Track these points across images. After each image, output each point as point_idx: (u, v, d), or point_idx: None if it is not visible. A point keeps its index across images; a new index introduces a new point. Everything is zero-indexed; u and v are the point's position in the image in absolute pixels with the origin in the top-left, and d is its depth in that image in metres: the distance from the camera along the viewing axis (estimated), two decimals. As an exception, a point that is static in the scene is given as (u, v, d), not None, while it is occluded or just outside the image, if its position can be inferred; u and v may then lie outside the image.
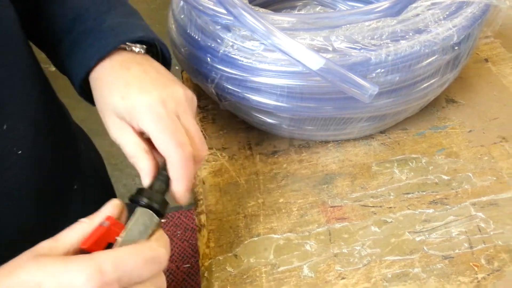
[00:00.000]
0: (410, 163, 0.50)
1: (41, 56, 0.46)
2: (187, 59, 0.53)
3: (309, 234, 0.45)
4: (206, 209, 0.48)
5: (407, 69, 0.45)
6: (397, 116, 0.52)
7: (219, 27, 0.49)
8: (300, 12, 0.70)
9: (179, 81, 0.41)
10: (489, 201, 0.46)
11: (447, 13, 0.47)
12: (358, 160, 0.52)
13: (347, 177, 0.50)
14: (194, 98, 0.41)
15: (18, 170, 0.39)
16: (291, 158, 0.53)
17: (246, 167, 0.52)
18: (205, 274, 0.42)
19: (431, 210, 0.46)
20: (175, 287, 1.32)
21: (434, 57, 0.45)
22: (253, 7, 0.49)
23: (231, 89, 0.49)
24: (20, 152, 0.38)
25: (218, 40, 0.48)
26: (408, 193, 0.47)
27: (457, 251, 0.42)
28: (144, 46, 0.42)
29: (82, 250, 0.31)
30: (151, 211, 0.34)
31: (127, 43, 0.41)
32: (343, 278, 0.41)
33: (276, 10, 0.71)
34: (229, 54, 0.47)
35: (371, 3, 0.66)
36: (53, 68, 0.48)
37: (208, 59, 0.49)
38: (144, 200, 0.34)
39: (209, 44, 0.49)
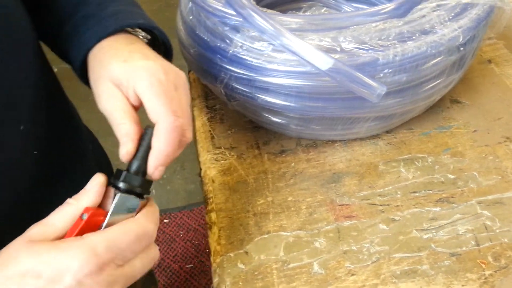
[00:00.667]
0: (416, 163, 0.51)
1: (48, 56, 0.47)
2: (196, 60, 0.54)
3: (318, 232, 0.46)
4: (216, 207, 0.48)
5: (414, 69, 0.45)
6: (403, 116, 0.53)
7: (228, 28, 0.50)
8: (306, 13, 0.71)
9: None
10: (495, 200, 0.47)
11: (453, 14, 0.48)
12: (365, 160, 0.53)
13: (355, 176, 0.51)
14: (189, 92, 0.41)
15: (33, 171, 0.40)
16: (299, 157, 0.54)
17: (254, 166, 0.53)
18: (217, 271, 0.43)
19: (438, 209, 0.46)
20: (178, 287, 1.32)
21: (440, 58, 0.46)
22: (261, 8, 0.49)
23: (240, 89, 0.50)
24: (35, 152, 0.39)
25: (227, 41, 0.49)
26: (415, 192, 0.48)
27: (464, 248, 0.43)
28: (148, 36, 0.42)
29: None
30: (132, 195, 0.34)
31: (130, 28, 0.41)
32: (353, 275, 0.42)
33: (281, 12, 0.72)
34: (238, 55, 0.48)
35: (374, 4, 0.67)
36: (55, 69, 0.48)
37: (218, 59, 0.50)
38: (122, 185, 0.34)
39: (218, 44, 0.50)
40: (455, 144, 0.53)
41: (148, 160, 0.35)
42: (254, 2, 0.50)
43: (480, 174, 0.50)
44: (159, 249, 0.61)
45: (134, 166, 0.35)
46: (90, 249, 0.29)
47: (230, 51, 0.49)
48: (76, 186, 0.35)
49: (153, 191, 1.59)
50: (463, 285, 0.41)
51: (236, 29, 0.49)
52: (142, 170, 0.35)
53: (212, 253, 0.44)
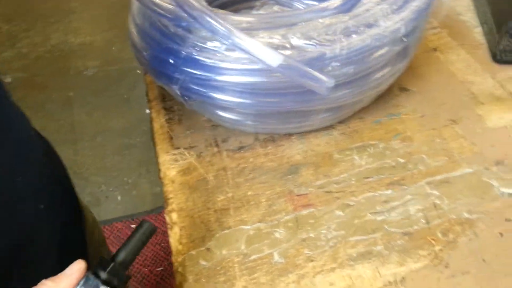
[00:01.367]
0: (368, 149, 0.53)
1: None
2: (150, 62, 0.54)
3: (278, 223, 0.47)
4: (176, 207, 0.49)
5: (360, 61, 0.47)
6: (354, 106, 0.55)
7: (180, 29, 0.50)
8: (259, 11, 0.72)
9: None
10: (443, 180, 0.50)
11: (395, 7, 0.50)
12: (321, 150, 0.54)
13: (311, 166, 0.53)
14: None
15: None
16: (257, 152, 0.55)
17: (214, 163, 0.54)
18: (179, 269, 0.44)
19: (389, 191, 0.49)
20: (150, 291, 1.32)
21: (384, 49, 0.48)
22: (212, 9, 0.50)
23: (195, 89, 0.51)
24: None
25: (180, 42, 0.50)
26: (368, 177, 0.50)
27: (415, 227, 0.46)
28: None
29: None
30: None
31: None
32: (311, 261, 0.44)
33: (235, 11, 0.73)
34: (192, 55, 0.49)
35: (324, 0, 0.69)
36: (9, 79, 0.47)
37: (171, 61, 0.50)
38: (105, 277, 0.33)
39: (171, 46, 0.50)
40: (404, 129, 0.55)
41: None
42: (205, 3, 0.50)
43: (428, 156, 0.52)
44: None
45: (121, 257, 0.34)
46: None
47: (183, 52, 0.49)
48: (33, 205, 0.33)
49: (119, 197, 1.57)
50: (415, 262, 0.43)
51: (188, 29, 0.50)
52: (127, 262, 0.35)
53: (173, 253, 0.45)
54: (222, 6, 0.70)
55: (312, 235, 0.46)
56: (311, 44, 0.47)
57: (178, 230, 0.47)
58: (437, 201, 0.48)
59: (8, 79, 0.46)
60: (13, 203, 0.40)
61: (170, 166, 0.54)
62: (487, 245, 0.44)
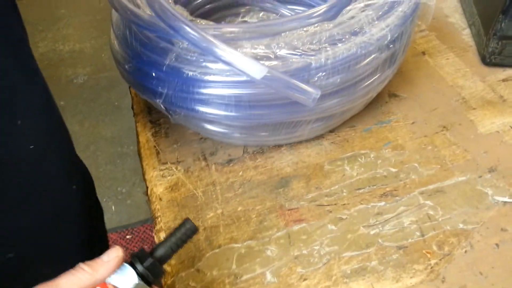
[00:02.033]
0: (359, 159, 0.52)
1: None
2: (132, 75, 0.52)
3: (269, 240, 0.46)
4: (164, 226, 0.48)
5: (346, 70, 0.46)
6: (343, 115, 0.54)
7: (161, 40, 0.49)
8: (244, 19, 0.71)
9: None
10: (436, 189, 0.49)
11: (380, 13, 0.49)
12: (311, 161, 0.53)
13: (302, 178, 0.51)
14: None
15: (29, 166, 0.36)
16: (247, 165, 0.54)
17: (202, 178, 0.53)
18: (169, 292, 0.42)
19: (382, 203, 0.48)
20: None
21: (371, 57, 0.47)
22: (195, 18, 0.49)
23: (179, 102, 0.49)
24: (32, 147, 0.36)
25: (162, 54, 0.48)
26: (359, 189, 0.49)
27: (410, 240, 0.44)
28: None
29: None
30: (145, 283, 0.33)
31: None
32: (305, 280, 0.42)
33: (220, 18, 0.72)
34: (175, 68, 0.47)
35: (311, 5, 0.68)
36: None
37: (153, 73, 0.49)
38: (143, 271, 0.33)
39: (152, 58, 0.49)
40: (395, 137, 0.54)
41: None
42: (187, 12, 0.49)
43: (420, 165, 0.51)
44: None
45: (159, 252, 0.34)
46: None
47: (165, 64, 0.48)
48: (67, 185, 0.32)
49: (113, 207, 1.56)
50: (411, 277, 0.42)
51: (170, 41, 0.49)
52: (164, 259, 0.35)
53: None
54: (207, 14, 0.69)
55: (304, 251, 0.44)
56: (296, 54, 0.45)
57: (166, 250, 0.46)
58: (431, 212, 0.46)
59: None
60: (48, 180, 0.39)
61: (158, 182, 0.52)
62: (483, 257, 0.42)
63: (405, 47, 0.53)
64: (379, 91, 0.55)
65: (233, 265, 0.44)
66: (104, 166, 1.72)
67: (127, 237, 1.45)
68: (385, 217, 0.46)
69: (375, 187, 0.49)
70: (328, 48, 0.45)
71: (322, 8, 0.49)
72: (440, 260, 0.43)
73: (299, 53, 0.45)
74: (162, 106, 0.51)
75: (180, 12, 0.46)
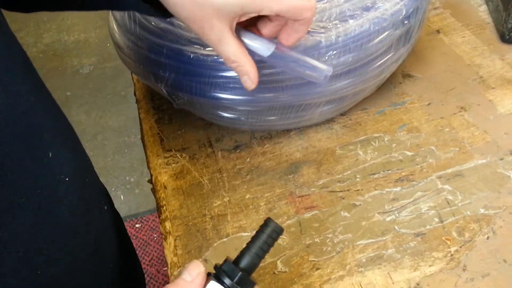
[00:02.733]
0: (373, 143, 0.50)
1: None
2: (133, 60, 0.50)
3: (279, 228, 0.44)
4: (170, 215, 0.46)
5: (359, 48, 0.44)
6: (355, 97, 0.51)
7: (161, 21, 0.46)
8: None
9: None
10: (454, 173, 0.46)
11: (394, -13, 0.46)
12: (322, 146, 0.51)
13: (312, 164, 0.49)
14: None
15: (69, 198, 0.35)
16: (254, 151, 0.52)
17: (208, 165, 0.50)
18: (176, 283, 0.40)
19: (398, 188, 0.45)
20: (157, 291, 1.29)
21: (385, 34, 0.45)
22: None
23: (182, 86, 0.47)
24: (67, 179, 0.34)
25: (162, 36, 0.46)
26: (374, 174, 0.47)
27: (428, 227, 0.42)
28: None
29: None
30: None
31: None
32: (317, 269, 0.40)
33: None
34: (175, 49, 0.45)
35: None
36: None
37: (154, 57, 0.47)
38: (229, 284, 0.30)
39: (153, 41, 0.47)
40: (410, 119, 0.52)
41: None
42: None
43: (437, 148, 0.49)
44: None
45: (246, 262, 0.31)
46: None
47: (166, 46, 0.46)
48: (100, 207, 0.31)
49: (122, 197, 1.55)
50: (430, 265, 0.40)
51: (170, 22, 0.46)
52: (252, 268, 0.31)
53: (168, 265, 0.42)
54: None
55: (317, 240, 0.42)
56: (306, 33, 0.43)
57: (173, 240, 0.44)
58: (450, 197, 0.44)
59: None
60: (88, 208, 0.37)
61: (162, 170, 0.51)
62: (507, 244, 0.40)
63: (421, 24, 0.50)
64: (392, 71, 0.52)
65: (242, 255, 0.42)
66: (112, 156, 1.71)
67: (136, 226, 1.44)
68: (401, 203, 0.44)
69: (390, 171, 0.47)
70: (338, 25, 0.43)
71: None
72: (461, 247, 0.40)
73: (308, 31, 0.43)
74: (164, 91, 0.49)
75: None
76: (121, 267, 0.43)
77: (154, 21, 0.47)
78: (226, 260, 0.31)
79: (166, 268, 1.36)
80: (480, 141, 0.49)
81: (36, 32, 2.24)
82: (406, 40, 0.49)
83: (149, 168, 0.52)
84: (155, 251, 1.38)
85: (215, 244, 0.43)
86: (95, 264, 0.37)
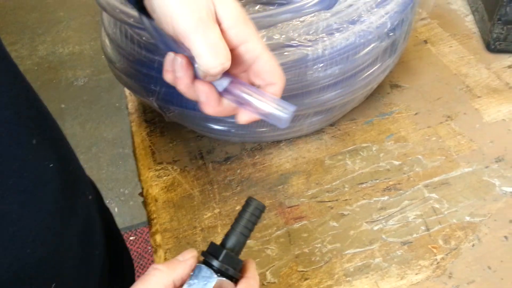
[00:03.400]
0: (361, 153, 0.51)
1: None
2: (125, 75, 0.51)
3: (269, 239, 0.44)
4: (160, 228, 0.46)
5: (345, 60, 0.45)
6: (344, 107, 0.52)
7: (153, 38, 0.47)
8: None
9: None
10: (441, 181, 0.47)
11: (379, 0, 0.47)
12: (311, 156, 0.52)
13: (302, 174, 0.50)
14: None
15: (53, 182, 0.35)
16: (245, 163, 0.52)
17: (199, 177, 0.51)
18: (166, 295, 0.41)
19: (385, 197, 0.46)
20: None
21: (370, 46, 0.45)
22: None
23: (173, 100, 0.48)
24: (51, 165, 0.35)
25: (152, 50, 0.47)
26: (362, 183, 0.48)
27: (415, 235, 0.43)
28: None
29: None
30: (225, 278, 0.30)
31: None
32: (306, 279, 0.41)
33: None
34: (166, 65, 0.46)
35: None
36: None
37: (145, 71, 0.47)
38: (220, 266, 0.30)
39: (144, 55, 0.47)
40: (398, 129, 0.53)
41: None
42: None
43: (424, 156, 0.49)
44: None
45: (232, 242, 0.31)
46: None
47: (157, 61, 0.46)
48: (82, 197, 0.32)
49: (116, 209, 1.55)
50: (416, 274, 0.40)
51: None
52: (238, 248, 0.31)
53: (159, 277, 0.42)
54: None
55: (306, 250, 0.43)
56: (291, 45, 0.44)
57: (163, 253, 0.44)
58: (436, 205, 0.45)
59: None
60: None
61: (153, 183, 0.51)
62: (491, 251, 0.41)
63: (406, 35, 0.51)
64: (380, 82, 0.53)
65: (232, 266, 0.42)
66: (106, 167, 1.71)
67: (131, 238, 1.44)
68: (388, 211, 0.45)
69: (377, 181, 0.48)
70: (325, 38, 0.44)
71: None
72: (447, 255, 0.41)
73: (295, 44, 0.44)
74: (155, 104, 0.50)
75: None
76: (109, 256, 0.44)
77: (145, 36, 0.47)
78: (211, 243, 0.31)
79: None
80: (466, 149, 0.49)
81: (31, 45, 2.25)
82: (392, 52, 0.50)
83: (140, 181, 0.52)
84: (150, 264, 1.38)
85: (205, 256, 0.43)
86: (82, 247, 0.38)
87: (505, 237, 0.42)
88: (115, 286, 0.47)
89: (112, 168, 1.69)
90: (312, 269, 0.41)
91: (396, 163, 0.49)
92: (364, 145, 0.51)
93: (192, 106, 0.48)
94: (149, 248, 1.41)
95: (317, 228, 0.44)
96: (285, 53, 0.44)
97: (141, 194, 0.51)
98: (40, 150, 0.33)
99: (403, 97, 0.56)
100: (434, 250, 0.41)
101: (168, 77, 0.35)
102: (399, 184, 0.47)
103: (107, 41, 0.53)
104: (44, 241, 0.32)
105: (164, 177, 0.51)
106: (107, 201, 1.57)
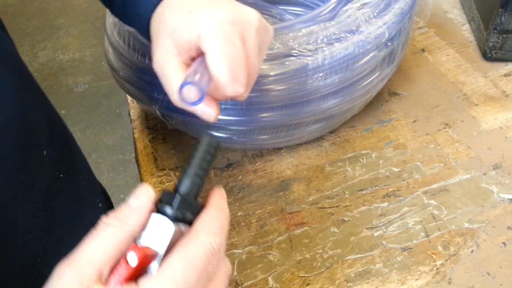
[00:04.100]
0: (361, 160, 0.51)
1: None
2: (128, 82, 0.52)
3: (271, 244, 0.45)
4: (164, 234, 0.47)
5: (344, 70, 0.45)
6: (343, 115, 0.53)
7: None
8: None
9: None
10: (440, 188, 0.48)
11: (377, 11, 0.48)
12: (312, 163, 0.52)
13: (303, 181, 0.50)
14: (269, 30, 0.36)
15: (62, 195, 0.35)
16: (246, 169, 0.53)
17: (201, 184, 0.52)
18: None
19: (385, 204, 0.47)
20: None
21: (369, 56, 0.46)
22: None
23: (176, 108, 0.49)
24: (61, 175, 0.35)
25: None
26: (362, 190, 0.48)
27: (414, 241, 0.43)
28: None
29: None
30: (182, 223, 0.26)
31: None
32: (308, 284, 0.41)
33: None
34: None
35: (303, 5, 0.67)
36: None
37: (148, 79, 0.48)
38: (176, 214, 0.26)
39: (147, 64, 0.48)
40: (397, 136, 0.53)
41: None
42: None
43: (423, 163, 0.50)
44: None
45: (186, 186, 0.28)
46: None
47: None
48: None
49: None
50: (416, 279, 0.41)
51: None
52: (195, 190, 0.28)
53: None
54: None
55: (307, 256, 0.43)
56: (292, 55, 0.45)
57: (166, 258, 0.45)
58: (436, 212, 0.45)
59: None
60: None
61: (156, 189, 0.52)
62: (490, 257, 0.41)
63: (404, 45, 0.52)
64: (378, 90, 0.54)
65: (234, 272, 0.43)
66: (107, 174, 1.71)
67: (131, 244, 1.44)
68: (388, 218, 0.45)
69: (377, 187, 0.48)
70: (325, 48, 0.45)
71: (328, 7, 0.49)
72: (446, 261, 0.42)
73: (295, 54, 0.45)
74: (158, 112, 0.50)
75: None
76: None
77: (148, 44, 0.48)
78: (163, 191, 0.27)
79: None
80: (464, 156, 0.50)
81: (31, 51, 2.26)
82: (391, 61, 0.51)
83: (143, 187, 0.53)
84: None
85: (208, 262, 0.44)
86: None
87: (504, 243, 0.42)
88: None
89: (113, 174, 1.70)
90: (313, 275, 0.42)
91: (396, 170, 0.50)
92: (364, 152, 0.52)
93: (194, 114, 0.49)
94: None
95: (318, 234, 0.45)
96: (286, 63, 0.45)
97: (144, 200, 0.51)
98: (51, 161, 0.33)
99: (402, 105, 0.57)
100: (434, 256, 0.42)
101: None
102: (398, 190, 0.48)
103: (110, 50, 0.54)
104: (53, 250, 0.33)
105: (167, 183, 0.52)
106: (107, 208, 1.58)
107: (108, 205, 0.50)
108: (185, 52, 0.34)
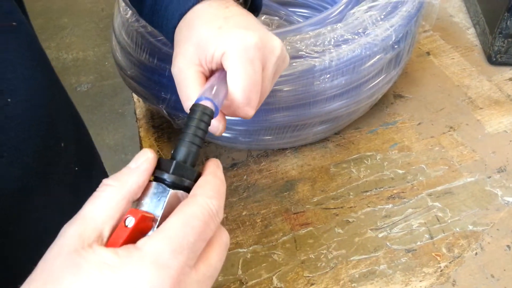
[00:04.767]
0: (365, 161, 0.52)
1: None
2: (135, 81, 0.52)
3: (275, 244, 0.45)
4: (169, 232, 0.47)
5: (351, 72, 0.46)
6: (349, 117, 0.53)
7: (163, 45, 0.48)
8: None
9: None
10: (444, 190, 0.48)
11: (384, 13, 0.48)
12: (316, 164, 0.53)
13: (307, 181, 0.51)
14: (287, 58, 0.38)
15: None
16: (251, 169, 0.53)
17: (206, 183, 0.52)
18: (175, 299, 0.42)
19: (390, 205, 0.47)
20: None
21: (376, 58, 0.47)
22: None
23: (182, 107, 0.49)
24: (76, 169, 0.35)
25: (164, 59, 0.48)
26: (366, 191, 0.49)
27: (419, 243, 0.44)
28: None
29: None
30: (181, 191, 0.27)
31: None
32: (312, 284, 0.42)
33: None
34: (177, 73, 0.47)
35: (310, 7, 0.68)
36: None
37: (156, 79, 0.49)
38: (173, 179, 0.26)
39: (155, 63, 0.49)
40: (401, 138, 0.54)
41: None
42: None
43: (427, 166, 0.50)
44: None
45: (182, 153, 0.28)
46: (155, 261, 0.22)
47: (168, 69, 0.48)
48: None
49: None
50: (420, 281, 0.41)
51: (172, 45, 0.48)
52: (191, 159, 0.28)
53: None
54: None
55: (312, 256, 0.44)
56: (299, 57, 0.45)
57: (171, 257, 0.45)
58: (440, 214, 0.46)
59: None
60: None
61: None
62: (494, 259, 0.42)
63: (410, 47, 0.53)
64: (384, 92, 0.54)
65: (239, 271, 0.43)
66: (109, 173, 1.71)
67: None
68: (393, 219, 0.46)
69: (382, 189, 0.48)
70: (332, 50, 0.45)
71: (337, 8, 0.49)
72: (450, 263, 0.42)
73: (303, 56, 0.45)
74: (165, 111, 0.51)
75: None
76: None
77: (156, 45, 0.49)
78: (159, 159, 0.28)
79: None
80: (468, 159, 0.50)
81: (35, 50, 2.27)
82: (397, 63, 0.52)
83: (148, 185, 0.53)
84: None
85: (213, 260, 0.44)
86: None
87: (508, 246, 0.43)
88: None
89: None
90: (318, 275, 0.42)
91: (400, 172, 0.50)
92: (369, 153, 0.52)
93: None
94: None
95: (322, 234, 0.45)
96: (293, 64, 0.45)
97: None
98: (68, 154, 0.34)
99: (407, 108, 0.58)
100: (438, 258, 0.42)
101: None
102: (403, 192, 0.48)
103: (118, 49, 0.55)
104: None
105: (172, 183, 0.52)
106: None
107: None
108: (206, 63, 0.35)
